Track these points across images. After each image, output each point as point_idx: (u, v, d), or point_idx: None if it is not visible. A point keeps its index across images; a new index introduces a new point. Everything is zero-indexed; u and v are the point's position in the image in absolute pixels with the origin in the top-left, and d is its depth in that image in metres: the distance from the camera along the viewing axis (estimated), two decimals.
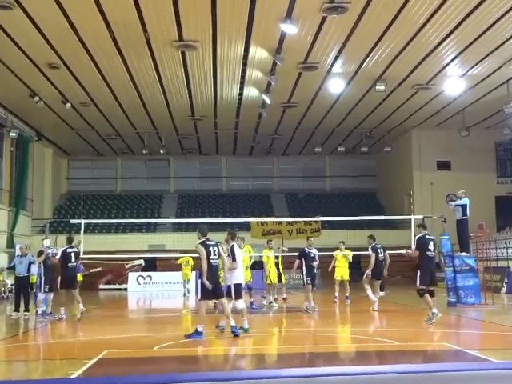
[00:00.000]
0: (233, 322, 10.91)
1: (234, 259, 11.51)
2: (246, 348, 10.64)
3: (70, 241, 15.54)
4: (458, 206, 17.67)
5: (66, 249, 15.26)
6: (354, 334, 11.72)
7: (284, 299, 18.45)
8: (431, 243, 12.83)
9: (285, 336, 12.44)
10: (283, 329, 13.70)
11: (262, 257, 18.42)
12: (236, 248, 11.82)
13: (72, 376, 7.52)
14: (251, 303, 16.95)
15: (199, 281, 12.54)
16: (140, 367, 8.60)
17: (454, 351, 9.48)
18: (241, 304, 11.45)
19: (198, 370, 8.44)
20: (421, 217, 20.12)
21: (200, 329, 10.69)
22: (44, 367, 8.82)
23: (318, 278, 23.70)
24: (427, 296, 12.56)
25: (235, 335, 10.81)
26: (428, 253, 12.71)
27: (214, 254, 10.89)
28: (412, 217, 19.86)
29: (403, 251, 15.40)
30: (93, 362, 8.63)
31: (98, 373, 8.26)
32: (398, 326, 12.65)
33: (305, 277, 15.77)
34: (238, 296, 11.50)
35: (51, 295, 15.75)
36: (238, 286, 11.56)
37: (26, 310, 16.23)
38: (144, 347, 10.10)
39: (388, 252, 16.55)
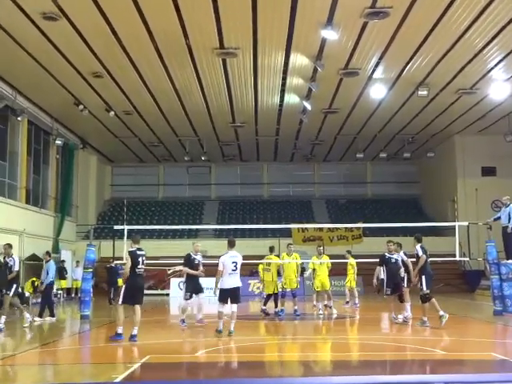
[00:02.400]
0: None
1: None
2: (288, 355, 10.60)
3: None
4: (495, 219, 17.39)
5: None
6: (398, 343, 11.54)
7: (314, 306, 18.20)
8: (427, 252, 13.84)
9: (324, 344, 12.34)
10: (323, 336, 13.58)
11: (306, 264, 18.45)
12: (224, 257, 12.32)
13: (116, 380, 7.61)
14: (295, 310, 16.87)
15: None
16: (183, 372, 8.65)
17: (501, 361, 9.24)
18: (220, 308, 12.29)
19: (240, 376, 8.44)
20: (466, 223, 19.77)
21: (119, 330, 11.40)
22: (88, 371, 8.95)
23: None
24: (434, 300, 13.30)
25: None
26: (428, 260, 13.68)
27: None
28: (456, 223, 19.51)
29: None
30: (136, 366, 8.72)
31: (141, 377, 8.35)
32: (442, 335, 12.41)
33: (385, 286, 14.94)
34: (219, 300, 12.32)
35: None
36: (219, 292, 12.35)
37: (52, 315, 16.45)
38: (186, 352, 10.17)
39: (431, 259, 16.22)
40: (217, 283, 12.39)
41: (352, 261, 19.93)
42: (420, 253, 13.56)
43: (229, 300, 12.25)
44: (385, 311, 17.58)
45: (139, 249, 11.83)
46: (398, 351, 10.57)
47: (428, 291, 13.36)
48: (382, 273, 15.17)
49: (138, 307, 11.64)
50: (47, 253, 17.54)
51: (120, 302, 11.67)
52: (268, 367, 9.43)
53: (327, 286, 17.47)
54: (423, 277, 13.39)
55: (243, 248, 18.33)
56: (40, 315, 16.30)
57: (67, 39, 18.65)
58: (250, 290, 26.97)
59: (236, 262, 12.21)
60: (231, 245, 12.56)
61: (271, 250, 17.37)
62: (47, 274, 16.63)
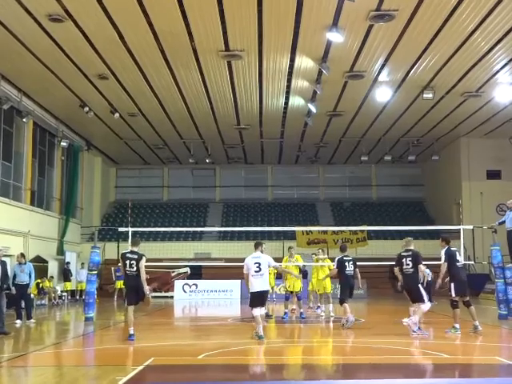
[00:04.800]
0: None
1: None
2: (290, 358, 10.58)
3: None
4: (500, 223, 17.32)
5: None
6: (401, 346, 11.51)
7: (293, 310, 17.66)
8: (457, 254, 13.35)
9: (329, 347, 12.31)
10: (326, 340, 13.54)
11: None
12: (247, 258, 12.21)
13: (119, 382, 7.61)
14: (301, 313, 16.84)
15: None
16: (186, 375, 8.65)
17: (505, 365, 9.20)
18: (254, 312, 12.00)
19: (244, 379, 8.42)
20: (470, 227, 19.75)
21: (131, 331, 11.83)
22: (92, 373, 8.95)
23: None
24: (458, 310, 13.05)
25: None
26: (458, 264, 13.25)
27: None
28: (461, 227, 19.45)
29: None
30: (140, 368, 8.72)
31: (144, 379, 8.34)
32: (447, 339, 12.37)
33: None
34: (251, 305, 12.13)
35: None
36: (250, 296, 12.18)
37: (29, 317, 16.35)
38: (190, 355, 10.15)
39: (436, 263, 16.10)
40: (247, 285, 12.25)
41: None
42: (442, 259, 13.02)
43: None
44: (387, 314, 17.57)
45: (132, 251, 12.19)
46: (402, 355, 10.53)
47: (457, 298, 12.93)
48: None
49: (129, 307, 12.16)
50: (22, 255, 17.11)
51: (127, 304, 12.32)
52: (274, 370, 9.41)
53: (328, 288, 17.37)
54: (452, 284, 12.91)
55: (247, 250, 18.31)
56: (27, 317, 16.27)
57: (73, 41, 18.69)
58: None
59: (259, 263, 11.96)
60: (255, 246, 12.38)
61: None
62: (30, 276, 16.46)
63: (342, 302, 14.28)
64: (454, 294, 12.93)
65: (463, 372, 8.97)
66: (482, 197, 31.66)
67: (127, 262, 11.97)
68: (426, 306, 13.07)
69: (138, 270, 11.94)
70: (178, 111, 26.61)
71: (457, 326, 12.88)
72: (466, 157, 32.48)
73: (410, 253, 12.87)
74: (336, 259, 14.76)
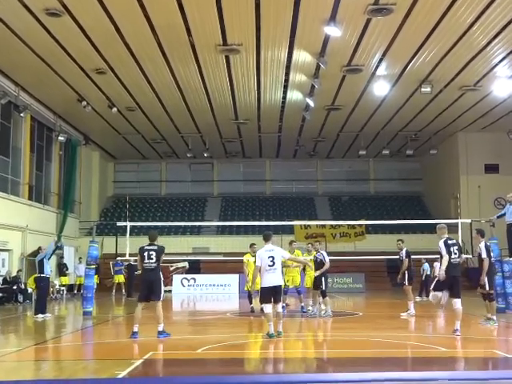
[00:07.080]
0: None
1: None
2: (290, 352, 10.60)
3: None
4: (498, 217, 17.31)
5: None
6: (400, 340, 11.53)
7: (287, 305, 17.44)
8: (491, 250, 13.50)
9: (327, 340, 12.34)
10: (324, 333, 13.58)
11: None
12: (260, 251, 11.60)
13: (118, 376, 7.62)
14: (302, 307, 16.82)
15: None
16: (185, 369, 8.66)
17: (503, 359, 9.23)
18: (265, 309, 11.38)
19: (243, 373, 8.45)
20: (468, 221, 19.71)
21: (135, 329, 11.29)
22: (91, 367, 8.96)
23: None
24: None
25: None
26: (491, 259, 13.29)
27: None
28: (459, 220, 19.48)
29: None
30: (139, 362, 8.74)
31: (143, 373, 8.36)
32: (445, 332, 12.40)
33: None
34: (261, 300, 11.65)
35: None
36: (260, 291, 11.71)
37: (38, 312, 16.23)
38: (188, 349, 10.17)
39: (435, 257, 16.12)
40: (253, 279, 11.91)
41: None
42: (484, 254, 12.88)
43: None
44: (386, 308, 17.60)
45: (150, 244, 11.75)
46: (401, 348, 10.56)
47: (492, 291, 13.11)
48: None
49: (156, 303, 11.61)
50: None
51: (137, 299, 11.86)
52: (273, 364, 9.43)
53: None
54: (486, 277, 12.85)
55: (245, 244, 18.33)
56: (43, 312, 16.26)
57: (70, 35, 18.66)
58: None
59: (273, 257, 11.24)
60: (265, 239, 11.65)
61: (251, 246, 17.03)
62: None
63: (324, 294, 15.42)
64: (488, 288, 13.05)
65: (461, 365, 9.00)
66: (479, 191, 31.71)
67: (145, 254, 11.48)
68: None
69: (158, 261, 11.53)
70: (175, 105, 26.59)
71: (494, 317, 13.10)
72: (464, 151, 32.52)
73: (455, 241, 11.59)
74: (326, 254, 15.78)
